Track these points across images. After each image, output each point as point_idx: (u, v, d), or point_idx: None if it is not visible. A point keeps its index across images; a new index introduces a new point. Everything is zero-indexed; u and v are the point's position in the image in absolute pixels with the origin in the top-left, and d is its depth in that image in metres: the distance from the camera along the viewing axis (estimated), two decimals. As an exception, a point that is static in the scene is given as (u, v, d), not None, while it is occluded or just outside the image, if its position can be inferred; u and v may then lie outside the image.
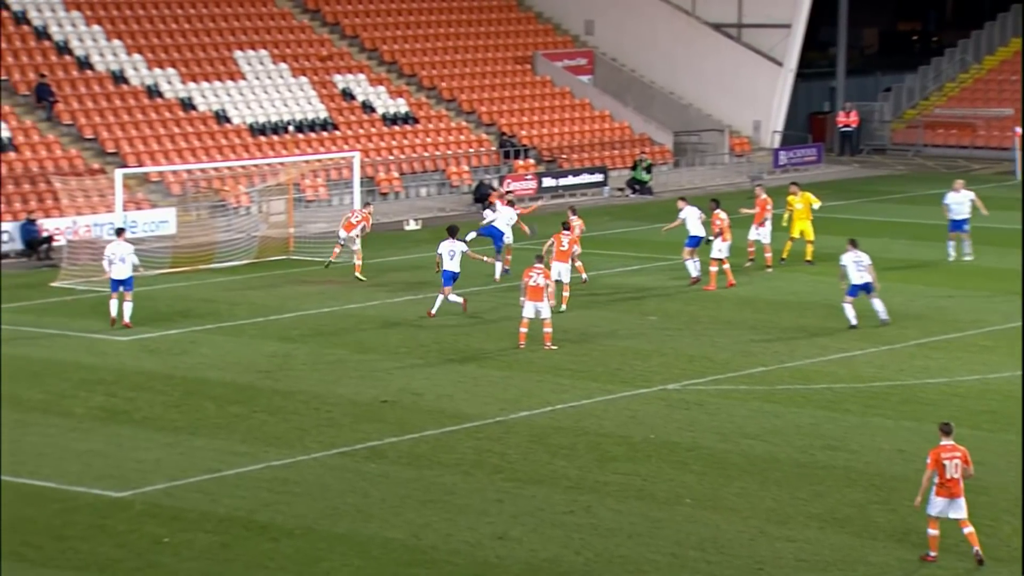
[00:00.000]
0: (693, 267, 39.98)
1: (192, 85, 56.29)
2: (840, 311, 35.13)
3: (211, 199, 49.91)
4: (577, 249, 38.39)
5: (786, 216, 43.48)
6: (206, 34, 59.26)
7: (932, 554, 21.22)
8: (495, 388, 30.27)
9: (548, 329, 33.25)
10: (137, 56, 56.24)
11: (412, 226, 50.36)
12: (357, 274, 40.98)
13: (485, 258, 39.70)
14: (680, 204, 41.05)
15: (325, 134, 57.16)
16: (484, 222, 42.18)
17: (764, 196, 42.81)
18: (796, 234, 43.04)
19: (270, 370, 31.71)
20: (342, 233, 41.88)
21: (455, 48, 65.15)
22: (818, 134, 69.69)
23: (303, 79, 59.08)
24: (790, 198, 43.36)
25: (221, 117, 55.71)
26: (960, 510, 21.08)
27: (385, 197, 55.32)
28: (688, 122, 65.75)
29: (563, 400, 29.35)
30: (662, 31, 68.85)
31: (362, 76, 60.58)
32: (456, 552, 21.66)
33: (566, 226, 37.98)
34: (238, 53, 58.87)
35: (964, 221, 43.45)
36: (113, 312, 35.36)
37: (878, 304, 35.26)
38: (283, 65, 59.32)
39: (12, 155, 49.80)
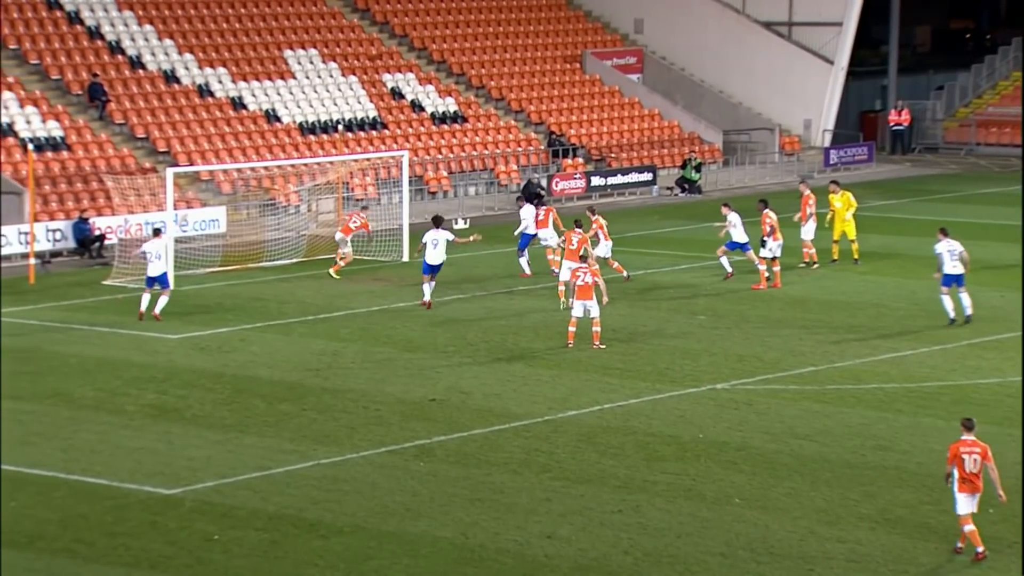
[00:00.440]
0: (727, 263, 40.27)
1: (242, 84, 56.50)
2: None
3: (261, 198, 50.08)
4: (606, 248, 38.57)
5: (829, 217, 43.18)
6: (256, 33, 59.48)
7: (980, 550, 21.17)
8: (543, 387, 30.24)
9: (597, 328, 33.20)
10: (188, 56, 56.50)
11: (460, 225, 50.37)
12: (332, 271, 41.16)
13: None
14: (724, 210, 40.65)
15: (374, 133, 57.25)
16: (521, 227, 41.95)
17: (808, 192, 42.60)
18: (837, 236, 42.74)
19: (319, 368, 31.79)
20: (339, 235, 42.13)
21: (504, 47, 65.14)
22: (869, 133, 69.26)
23: (352, 78, 59.21)
24: (831, 197, 43.08)
25: (271, 116, 55.89)
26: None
27: (434, 196, 55.36)
28: (738, 121, 65.49)
29: (611, 399, 29.29)
30: (712, 29, 68.62)
31: (411, 75, 60.65)
32: (504, 551, 21.65)
33: (579, 224, 37.89)
34: (288, 52, 59.06)
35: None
36: (143, 307, 35.93)
37: (966, 299, 34.99)
38: (332, 64, 59.46)
39: (65, 154, 50.13)
